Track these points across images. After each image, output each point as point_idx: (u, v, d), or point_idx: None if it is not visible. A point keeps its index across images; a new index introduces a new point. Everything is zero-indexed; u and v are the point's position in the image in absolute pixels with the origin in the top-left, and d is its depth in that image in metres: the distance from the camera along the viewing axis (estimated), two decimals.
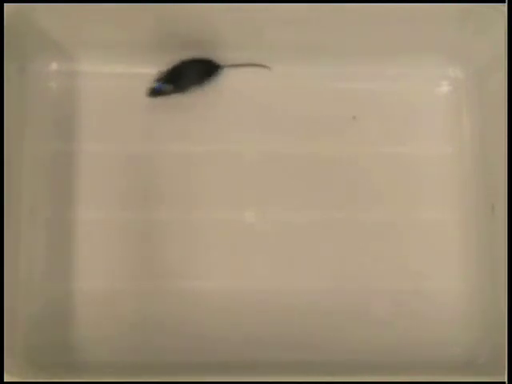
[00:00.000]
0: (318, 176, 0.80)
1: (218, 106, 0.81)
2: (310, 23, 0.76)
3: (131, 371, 0.73)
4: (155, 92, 0.78)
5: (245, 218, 0.79)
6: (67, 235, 0.78)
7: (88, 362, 0.76)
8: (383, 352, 0.77)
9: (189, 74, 0.79)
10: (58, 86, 0.80)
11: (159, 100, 0.80)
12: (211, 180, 0.79)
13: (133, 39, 0.79)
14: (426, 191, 0.80)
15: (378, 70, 0.81)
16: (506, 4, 0.73)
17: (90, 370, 0.75)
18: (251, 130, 0.81)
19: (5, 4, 0.72)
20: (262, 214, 0.79)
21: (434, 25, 0.76)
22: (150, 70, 0.80)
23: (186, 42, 0.78)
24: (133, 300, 0.77)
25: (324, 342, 0.77)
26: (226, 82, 0.81)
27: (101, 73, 0.81)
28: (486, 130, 0.79)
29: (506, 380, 0.67)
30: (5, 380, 0.67)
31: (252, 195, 0.79)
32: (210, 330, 0.77)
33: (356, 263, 0.79)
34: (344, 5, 0.74)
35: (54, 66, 0.80)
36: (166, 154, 0.80)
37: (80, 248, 0.78)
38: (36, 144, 0.79)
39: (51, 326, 0.76)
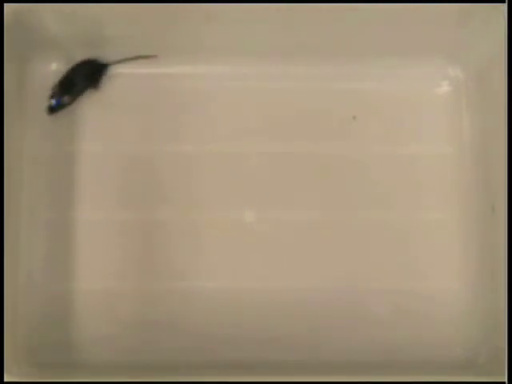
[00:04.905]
0: (317, 176, 0.80)
1: (219, 107, 0.81)
2: (310, 23, 0.76)
3: (131, 371, 0.73)
4: (54, 108, 0.79)
5: (245, 217, 0.79)
6: (67, 235, 0.78)
7: (88, 362, 0.76)
8: (383, 352, 0.77)
9: (79, 80, 0.79)
10: None
11: (159, 100, 0.80)
12: (211, 180, 0.79)
13: (133, 39, 0.79)
14: (426, 191, 0.80)
15: (377, 70, 0.81)
16: (505, 4, 0.73)
17: (89, 370, 0.75)
18: (251, 130, 0.81)
19: (5, 4, 0.72)
20: (262, 214, 0.79)
21: (433, 25, 0.76)
22: (150, 70, 0.81)
23: (185, 43, 0.79)
24: (133, 300, 0.78)
25: (324, 341, 0.77)
26: (226, 82, 0.81)
27: None
28: (486, 130, 0.78)
29: (506, 380, 0.67)
30: (5, 380, 0.67)
31: (252, 195, 0.79)
32: (210, 329, 0.77)
33: (356, 263, 0.79)
34: (344, 5, 0.74)
35: (53, 66, 0.80)
36: (165, 154, 0.80)
37: (80, 248, 0.78)
38: (36, 144, 0.79)
39: (51, 326, 0.76)
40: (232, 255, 0.78)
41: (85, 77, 0.79)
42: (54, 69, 0.80)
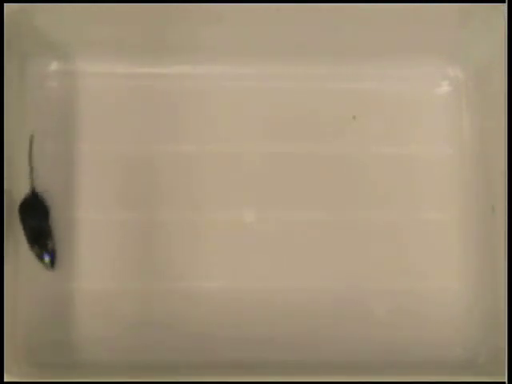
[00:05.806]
0: (317, 176, 0.80)
1: (218, 107, 0.81)
2: (310, 23, 0.76)
3: (131, 371, 0.73)
4: (53, 260, 0.76)
5: (244, 217, 0.79)
6: (67, 235, 0.78)
7: (88, 362, 0.76)
8: (383, 352, 0.77)
9: (37, 222, 0.76)
10: (58, 86, 0.80)
11: (159, 100, 0.80)
12: (211, 180, 0.79)
13: (133, 39, 0.79)
14: (426, 191, 0.80)
15: (378, 70, 0.81)
16: (505, 4, 0.73)
17: (89, 370, 0.75)
18: (251, 130, 0.81)
19: (5, 4, 0.72)
20: (262, 214, 0.79)
21: (433, 25, 0.76)
22: (150, 70, 0.81)
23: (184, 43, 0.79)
24: (133, 300, 0.77)
25: (324, 341, 0.77)
26: (226, 82, 0.81)
27: (101, 73, 0.81)
28: (486, 131, 0.78)
29: (506, 380, 0.67)
30: (5, 380, 0.67)
31: (252, 195, 0.79)
32: (210, 329, 0.77)
33: (356, 263, 0.79)
34: (344, 5, 0.74)
35: (53, 65, 0.80)
36: (165, 154, 0.80)
37: (80, 248, 0.78)
38: (36, 144, 0.78)
39: (51, 326, 0.76)
40: (232, 255, 0.78)
41: (37, 218, 0.76)
42: (54, 69, 0.80)
